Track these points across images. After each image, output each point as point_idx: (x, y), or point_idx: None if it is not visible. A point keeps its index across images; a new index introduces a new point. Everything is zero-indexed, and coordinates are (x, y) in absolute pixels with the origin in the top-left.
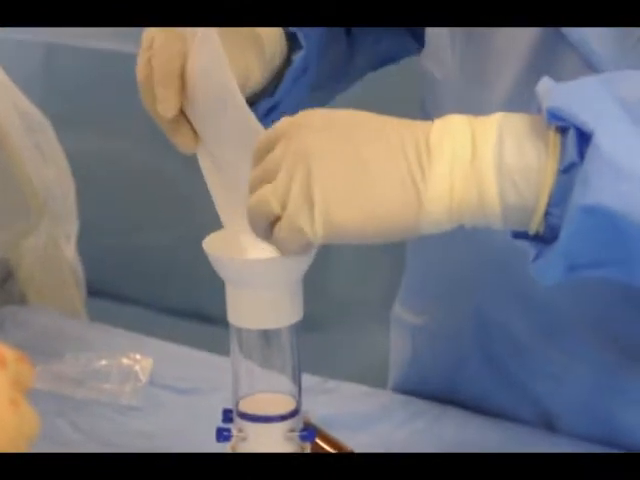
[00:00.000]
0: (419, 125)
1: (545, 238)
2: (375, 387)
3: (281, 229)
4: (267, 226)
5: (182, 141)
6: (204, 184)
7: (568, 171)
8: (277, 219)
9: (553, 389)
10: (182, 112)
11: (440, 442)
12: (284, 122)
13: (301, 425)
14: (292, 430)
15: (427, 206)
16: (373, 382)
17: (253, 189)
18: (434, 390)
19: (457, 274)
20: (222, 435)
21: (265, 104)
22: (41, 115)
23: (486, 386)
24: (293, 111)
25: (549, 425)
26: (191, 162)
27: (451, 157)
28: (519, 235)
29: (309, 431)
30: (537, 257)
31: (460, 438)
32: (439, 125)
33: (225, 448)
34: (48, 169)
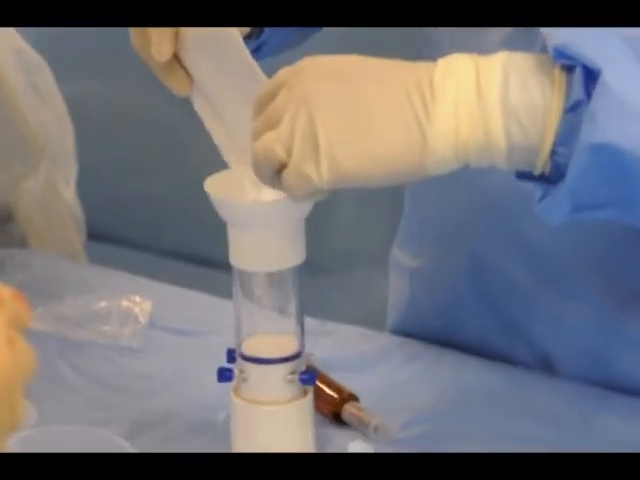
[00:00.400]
0: (422, 66)
1: (550, 178)
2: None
3: (288, 176)
4: (273, 173)
5: (177, 85)
6: (202, 128)
7: (574, 109)
8: (283, 166)
9: (552, 332)
10: (175, 55)
11: (439, 383)
12: (284, 71)
13: (303, 368)
14: (293, 373)
15: (433, 146)
16: (373, 326)
17: (256, 137)
18: (432, 332)
19: (454, 217)
20: (224, 375)
21: (251, 45)
22: (38, 56)
23: (484, 329)
24: (278, 49)
25: (548, 368)
26: (189, 106)
27: (455, 96)
28: (523, 176)
29: (309, 374)
30: (543, 197)
31: (459, 380)
32: (442, 65)
33: (226, 387)
34: (46, 110)
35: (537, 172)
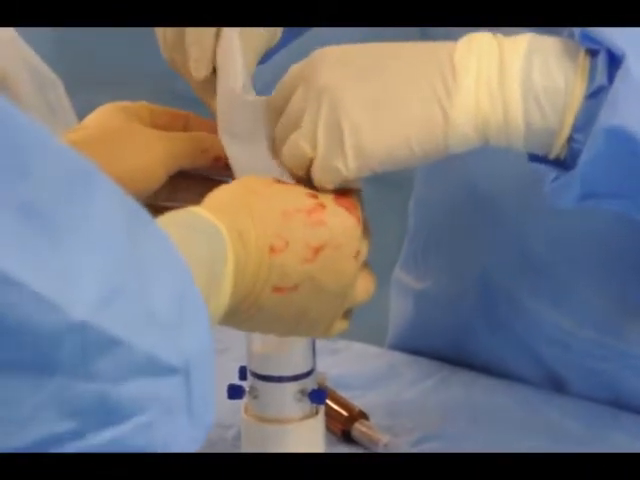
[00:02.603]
0: (442, 45)
1: (565, 164)
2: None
3: (316, 170)
4: (306, 174)
5: (214, 104)
6: None
7: (596, 95)
8: (312, 161)
9: (560, 354)
10: (215, 72)
11: (449, 401)
12: (295, 68)
13: (314, 386)
14: (302, 391)
15: (453, 122)
16: (383, 343)
17: (282, 140)
18: (439, 351)
19: (461, 241)
20: (234, 392)
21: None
22: (51, 71)
23: (493, 349)
24: (278, 49)
25: (558, 387)
26: None
27: (477, 73)
28: (537, 159)
29: (319, 393)
30: (555, 180)
31: (468, 398)
32: (464, 43)
33: (237, 405)
34: (59, 126)
35: (552, 156)
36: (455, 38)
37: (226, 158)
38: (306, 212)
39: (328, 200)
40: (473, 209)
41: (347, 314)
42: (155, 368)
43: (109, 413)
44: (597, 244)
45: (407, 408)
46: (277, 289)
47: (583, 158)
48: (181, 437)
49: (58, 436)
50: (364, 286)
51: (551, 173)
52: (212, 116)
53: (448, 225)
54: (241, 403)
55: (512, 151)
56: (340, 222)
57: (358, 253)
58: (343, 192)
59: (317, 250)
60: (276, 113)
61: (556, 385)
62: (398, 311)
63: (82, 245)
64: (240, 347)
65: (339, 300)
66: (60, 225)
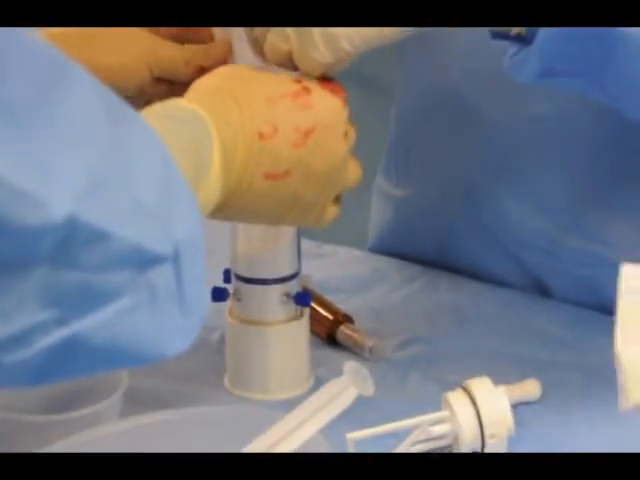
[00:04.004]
0: None
1: (526, 39)
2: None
3: (296, 62)
4: (293, 67)
5: None
6: None
7: None
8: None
9: (545, 261)
10: None
11: (435, 305)
12: None
13: (299, 289)
14: (287, 294)
15: None
16: (364, 250)
17: (263, 40)
18: (422, 255)
19: (443, 149)
20: (218, 295)
21: None
22: None
23: (477, 255)
24: None
25: (543, 292)
26: None
27: None
28: (499, 35)
29: (304, 295)
30: (515, 54)
31: (454, 302)
32: None
33: (221, 307)
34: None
35: (514, 33)
36: (454, 38)
37: (209, 68)
38: (291, 96)
39: (313, 84)
40: (454, 114)
41: (337, 200)
42: (141, 257)
43: (91, 299)
44: (580, 148)
45: (392, 311)
46: (269, 175)
47: (541, 34)
48: (172, 326)
49: (42, 324)
50: (354, 171)
51: (512, 48)
52: None
53: (429, 132)
54: (225, 306)
55: (492, 53)
56: (326, 104)
57: (346, 134)
58: (327, 78)
59: (307, 133)
60: None
61: (541, 290)
62: (379, 216)
63: (62, 139)
64: (224, 250)
65: (331, 183)
66: (38, 121)
